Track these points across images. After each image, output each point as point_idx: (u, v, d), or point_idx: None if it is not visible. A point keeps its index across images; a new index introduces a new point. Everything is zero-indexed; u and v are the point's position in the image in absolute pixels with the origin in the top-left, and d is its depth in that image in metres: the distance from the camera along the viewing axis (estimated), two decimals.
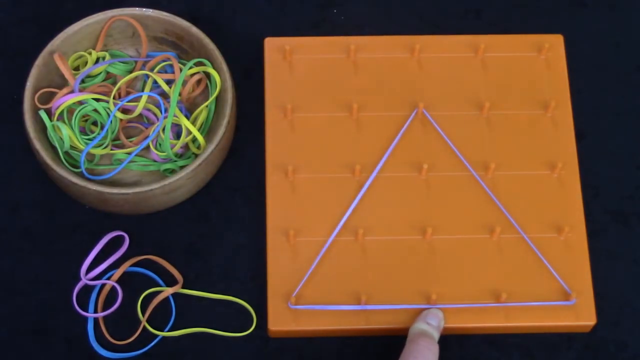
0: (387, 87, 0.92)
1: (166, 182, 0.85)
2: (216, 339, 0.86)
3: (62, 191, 0.89)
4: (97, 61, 0.92)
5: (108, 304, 0.87)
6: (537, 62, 0.94)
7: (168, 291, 0.87)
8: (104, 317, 0.86)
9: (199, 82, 0.92)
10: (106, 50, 0.93)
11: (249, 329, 0.86)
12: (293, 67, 0.92)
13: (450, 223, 0.88)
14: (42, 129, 0.88)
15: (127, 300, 0.87)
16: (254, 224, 0.90)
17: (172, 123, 0.89)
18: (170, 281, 0.88)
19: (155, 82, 0.92)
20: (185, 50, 0.92)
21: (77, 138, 0.88)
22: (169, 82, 0.92)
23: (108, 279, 0.87)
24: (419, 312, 0.85)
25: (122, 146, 0.90)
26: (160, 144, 0.90)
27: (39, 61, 0.88)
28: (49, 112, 0.89)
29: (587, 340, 0.87)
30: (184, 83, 0.91)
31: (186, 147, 0.90)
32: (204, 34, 0.90)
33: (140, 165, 0.90)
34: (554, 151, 0.91)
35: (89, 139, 0.89)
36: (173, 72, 0.91)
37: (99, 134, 0.89)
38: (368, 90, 0.92)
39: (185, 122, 0.88)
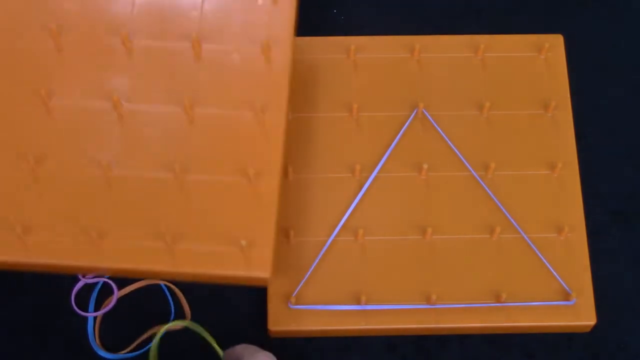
0: (387, 87, 0.93)
1: None
2: (216, 339, 0.86)
3: None
4: None
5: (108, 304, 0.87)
6: (537, 62, 0.94)
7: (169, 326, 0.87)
8: (104, 317, 0.86)
9: None
10: None
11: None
12: (293, 67, 0.92)
13: (450, 223, 0.88)
14: None
15: (127, 300, 0.87)
16: None
17: None
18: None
19: None
20: None
21: None
22: None
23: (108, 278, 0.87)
24: (419, 312, 0.85)
25: None
26: None
27: None
28: None
29: (587, 340, 0.87)
30: None
31: None
32: None
33: None
34: (554, 151, 0.91)
35: None
36: None
37: None
38: (368, 90, 0.92)
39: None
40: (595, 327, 0.87)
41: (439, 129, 0.91)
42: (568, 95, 0.93)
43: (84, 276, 0.87)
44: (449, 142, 0.91)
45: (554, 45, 0.94)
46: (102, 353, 0.86)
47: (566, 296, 0.86)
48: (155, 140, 0.83)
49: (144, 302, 0.87)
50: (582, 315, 0.86)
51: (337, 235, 0.88)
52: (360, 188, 0.89)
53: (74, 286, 0.87)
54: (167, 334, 0.86)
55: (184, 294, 0.87)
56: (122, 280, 0.87)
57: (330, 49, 0.94)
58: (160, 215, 0.80)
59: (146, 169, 0.82)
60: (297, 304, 0.85)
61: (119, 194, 0.81)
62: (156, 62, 0.85)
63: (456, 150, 0.90)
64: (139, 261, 0.79)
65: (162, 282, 0.87)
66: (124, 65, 0.85)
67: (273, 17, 0.86)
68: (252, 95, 0.83)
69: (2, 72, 0.84)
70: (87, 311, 0.86)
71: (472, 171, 0.90)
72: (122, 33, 0.84)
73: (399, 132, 0.91)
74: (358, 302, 0.85)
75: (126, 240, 0.79)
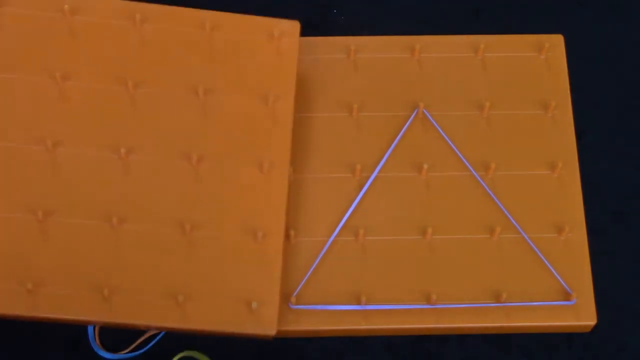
0: (387, 87, 0.93)
1: None
2: (216, 338, 0.86)
3: None
4: None
5: None
6: (537, 62, 0.94)
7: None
8: None
9: None
10: None
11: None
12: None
13: (451, 223, 0.88)
14: None
15: None
16: None
17: None
18: None
19: None
20: None
21: None
22: None
23: None
24: (419, 312, 0.85)
25: None
26: None
27: None
28: None
29: (587, 340, 0.87)
30: None
31: None
32: None
33: None
34: (554, 151, 0.91)
35: None
36: None
37: None
38: (368, 90, 0.92)
39: None
40: (595, 327, 0.87)
41: (439, 129, 0.91)
42: (568, 95, 0.93)
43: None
44: (449, 142, 0.91)
45: (554, 45, 0.94)
46: (102, 353, 0.86)
47: (566, 296, 0.86)
48: (161, 193, 0.85)
49: None
50: (582, 315, 0.86)
51: (337, 235, 0.88)
52: (361, 188, 0.89)
53: None
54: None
55: None
56: None
57: (330, 49, 0.94)
58: (168, 272, 0.82)
59: (154, 223, 0.83)
60: (297, 304, 0.85)
61: (128, 249, 0.83)
62: (161, 112, 0.86)
63: (456, 150, 0.90)
64: (149, 318, 0.81)
65: None
66: (128, 114, 0.86)
67: (276, 70, 0.88)
68: (256, 151, 0.86)
69: (6, 120, 0.85)
70: None
71: (473, 171, 0.90)
72: (127, 82, 0.86)
73: (399, 132, 0.91)
74: (358, 302, 0.85)
75: (136, 296, 0.81)
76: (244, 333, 0.82)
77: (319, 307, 0.85)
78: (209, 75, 0.87)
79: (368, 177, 0.89)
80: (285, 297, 0.85)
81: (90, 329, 0.86)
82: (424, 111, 0.91)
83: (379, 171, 0.90)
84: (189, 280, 0.82)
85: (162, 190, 0.85)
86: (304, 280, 0.86)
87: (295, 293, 0.85)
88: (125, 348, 0.86)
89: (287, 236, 0.87)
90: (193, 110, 0.87)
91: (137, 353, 0.86)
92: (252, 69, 0.88)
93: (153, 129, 0.86)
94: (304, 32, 0.95)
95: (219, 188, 0.85)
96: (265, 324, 0.82)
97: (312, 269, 0.86)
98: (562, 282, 0.86)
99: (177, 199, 0.85)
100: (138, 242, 0.83)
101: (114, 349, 0.86)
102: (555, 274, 0.87)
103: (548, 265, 0.87)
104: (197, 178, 0.85)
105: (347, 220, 0.88)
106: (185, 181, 0.85)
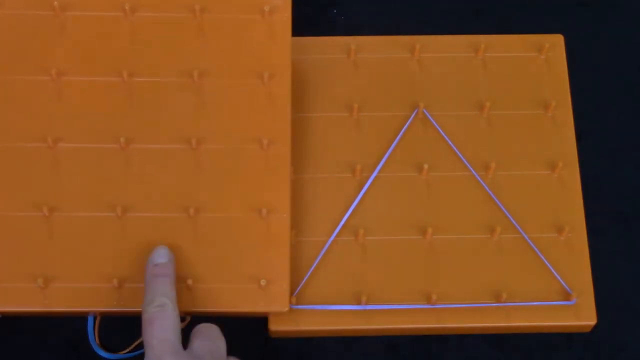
0: (387, 87, 0.93)
1: None
2: None
3: None
4: None
5: None
6: (537, 62, 0.94)
7: None
8: (104, 317, 0.86)
9: None
10: None
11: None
12: (293, 67, 0.92)
13: (451, 223, 0.88)
14: None
15: None
16: None
17: None
18: None
19: None
20: None
21: None
22: None
23: None
24: (419, 312, 0.85)
25: None
26: None
27: None
28: None
29: (587, 340, 0.87)
30: None
31: None
32: None
33: None
34: (554, 151, 0.91)
35: None
36: None
37: None
38: (368, 90, 0.92)
39: None
40: (595, 327, 0.87)
41: (439, 129, 0.91)
42: (568, 95, 0.93)
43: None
44: (449, 142, 0.91)
45: (554, 45, 0.94)
46: (102, 353, 0.86)
47: (566, 296, 0.86)
48: (164, 180, 0.85)
49: None
50: (582, 315, 0.86)
51: (337, 235, 0.88)
52: (361, 188, 0.89)
53: None
54: None
55: None
56: None
57: (330, 49, 0.94)
58: (176, 256, 0.82)
59: (158, 210, 0.84)
60: (297, 304, 0.85)
61: (135, 237, 0.83)
62: (158, 100, 0.86)
63: (457, 150, 0.90)
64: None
65: None
66: (126, 104, 0.86)
67: (270, 47, 0.88)
68: (255, 129, 0.86)
69: (6, 121, 0.85)
70: None
71: (473, 171, 0.90)
72: (122, 72, 0.86)
73: (399, 132, 0.91)
74: (358, 302, 0.85)
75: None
76: (256, 312, 0.82)
77: (319, 307, 0.85)
78: (203, 58, 0.87)
79: (368, 177, 0.89)
80: None
81: (90, 329, 0.86)
82: (424, 111, 0.91)
83: (379, 171, 0.90)
84: (197, 262, 0.82)
85: (164, 176, 0.85)
86: (304, 280, 0.86)
87: (295, 293, 0.85)
88: (125, 348, 0.86)
89: None
90: (189, 95, 0.87)
91: (137, 353, 0.86)
92: (245, 47, 0.88)
93: (151, 116, 0.86)
94: (304, 32, 0.95)
95: (221, 169, 0.85)
96: (277, 300, 0.82)
97: (312, 269, 0.86)
98: (562, 282, 0.86)
99: (180, 184, 0.85)
100: (144, 229, 0.83)
101: (114, 349, 0.86)
102: (555, 274, 0.87)
103: (548, 265, 0.87)
104: (199, 161, 0.85)
105: (347, 220, 0.88)
106: (186, 165, 0.85)
